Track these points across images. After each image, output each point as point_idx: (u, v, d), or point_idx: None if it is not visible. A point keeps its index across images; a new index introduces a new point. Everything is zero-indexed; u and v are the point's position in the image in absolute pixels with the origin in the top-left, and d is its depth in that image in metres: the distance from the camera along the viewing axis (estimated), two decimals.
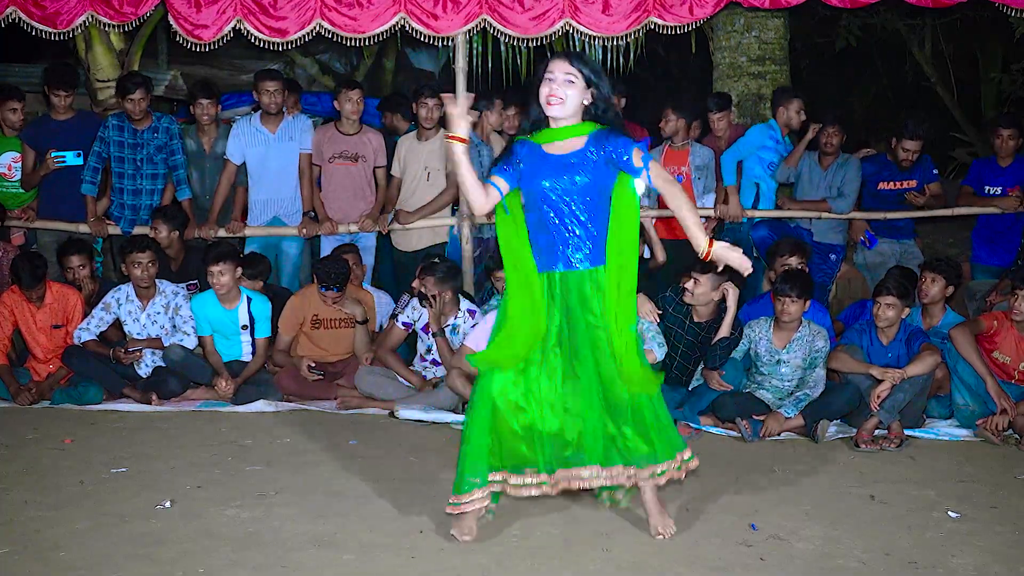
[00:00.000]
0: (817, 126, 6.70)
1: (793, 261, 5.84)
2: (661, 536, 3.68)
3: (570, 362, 3.66)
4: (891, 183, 6.74)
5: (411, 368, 5.94)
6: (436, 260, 5.87)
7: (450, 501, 3.67)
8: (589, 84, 3.55)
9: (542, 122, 3.63)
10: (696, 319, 5.44)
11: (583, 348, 3.63)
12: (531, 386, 3.66)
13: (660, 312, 5.43)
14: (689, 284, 5.35)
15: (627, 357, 3.61)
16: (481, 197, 3.58)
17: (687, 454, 3.76)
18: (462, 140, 3.51)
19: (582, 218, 3.58)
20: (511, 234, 3.71)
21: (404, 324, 5.93)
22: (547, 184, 3.56)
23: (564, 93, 3.52)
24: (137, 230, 6.50)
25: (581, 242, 3.59)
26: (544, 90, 3.55)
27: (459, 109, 3.52)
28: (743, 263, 3.53)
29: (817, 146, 6.67)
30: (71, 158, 6.53)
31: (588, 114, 3.60)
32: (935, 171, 6.94)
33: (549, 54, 3.86)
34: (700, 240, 3.53)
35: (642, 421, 3.66)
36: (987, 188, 6.75)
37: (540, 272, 3.64)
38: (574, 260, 3.60)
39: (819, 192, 6.65)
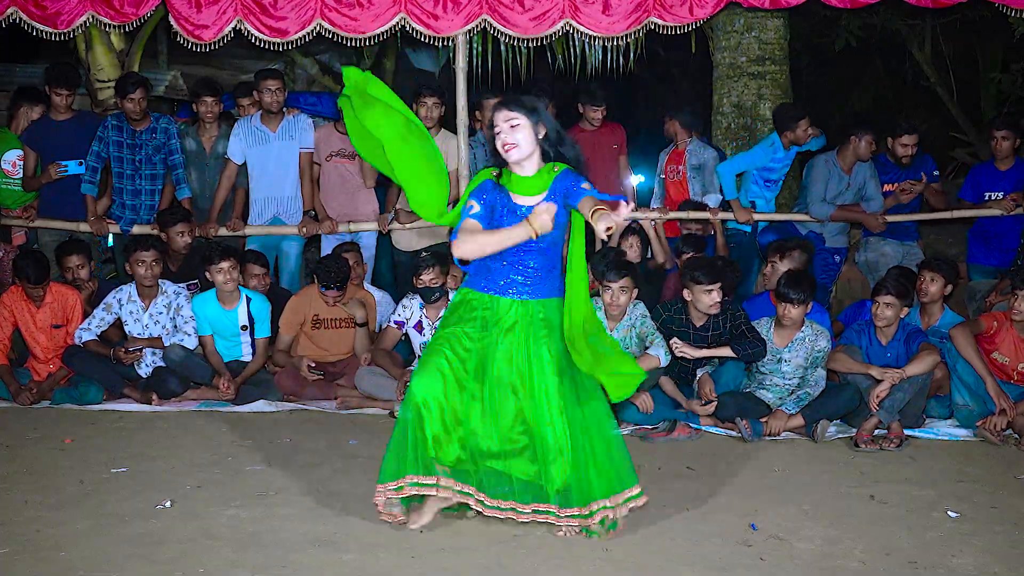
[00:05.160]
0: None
1: (782, 265, 5.86)
2: (561, 534, 3.70)
3: (502, 395, 3.69)
4: (893, 183, 6.75)
5: (408, 368, 5.95)
6: (424, 255, 5.94)
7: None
8: (530, 118, 3.71)
9: (501, 163, 3.80)
10: (695, 322, 5.45)
11: (517, 379, 3.69)
12: (463, 409, 3.71)
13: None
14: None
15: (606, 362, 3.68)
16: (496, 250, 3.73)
17: (634, 491, 3.74)
18: (534, 234, 3.63)
19: (534, 264, 3.75)
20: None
21: (396, 323, 5.95)
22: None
23: (514, 138, 3.69)
24: (137, 229, 6.51)
25: (532, 281, 3.75)
26: (498, 143, 3.72)
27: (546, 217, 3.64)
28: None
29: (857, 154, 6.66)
30: (73, 167, 6.55)
31: (546, 150, 3.75)
32: (936, 172, 6.95)
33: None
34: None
35: (590, 456, 3.67)
36: (987, 194, 6.74)
37: (482, 293, 3.79)
38: (520, 292, 3.75)
39: (846, 197, 6.64)
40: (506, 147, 3.69)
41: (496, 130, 3.72)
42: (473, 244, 3.67)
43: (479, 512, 3.76)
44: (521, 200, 3.76)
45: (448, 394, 3.69)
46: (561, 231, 3.78)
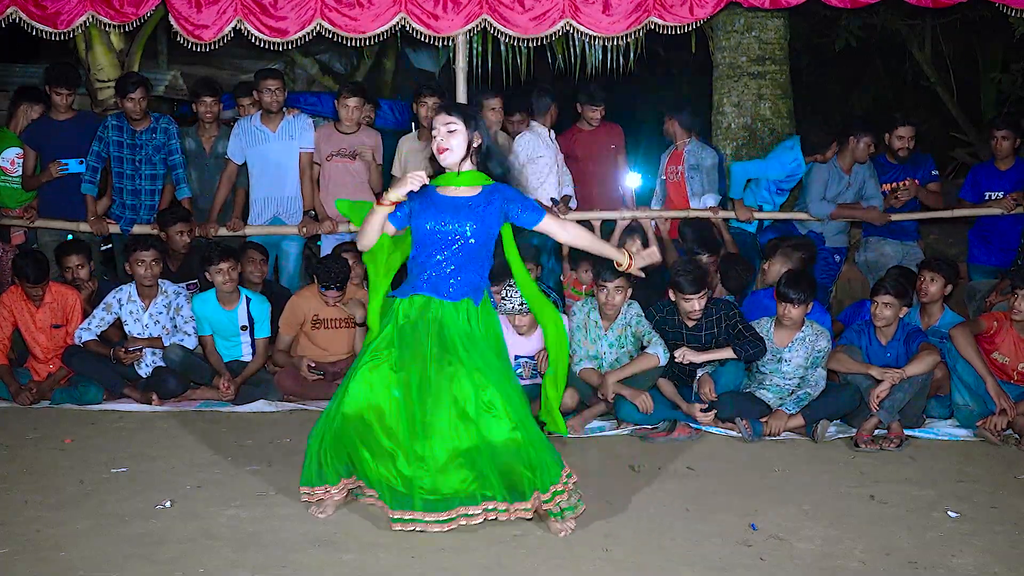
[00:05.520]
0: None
1: (778, 262, 5.87)
2: (562, 532, 3.69)
3: (426, 394, 3.71)
4: (893, 183, 6.76)
5: None
6: None
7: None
8: (468, 125, 3.81)
9: (434, 165, 3.89)
10: (687, 323, 5.45)
11: (443, 380, 3.70)
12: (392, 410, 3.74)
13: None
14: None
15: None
16: (372, 241, 3.87)
17: (564, 478, 3.77)
18: (391, 203, 3.80)
19: (461, 257, 3.80)
20: (381, 267, 3.94)
21: None
22: (434, 225, 3.79)
23: (449, 143, 3.80)
24: (137, 229, 6.51)
25: (457, 281, 3.81)
26: (433, 146, 3.82)
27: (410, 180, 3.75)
28: (654, 255, 4.13)
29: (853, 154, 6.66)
30: (74, 166, 6.55)
31: (480, 158, 3.85)
32: (935, 171, 6.95)
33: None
34: (618, 256, 4.05)
35: (515, 460, 3.68)
36: (987, 194, 6.75)
37: (401, 297, 3.85)
38: (446, 292, 3.81)
39: (846, 197, 6.64)
40: (439, 151, 3.80)
41: (434, 133, 3.82)
42: (359, 239, 3.90)
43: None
44: (444, 191, 3.85)
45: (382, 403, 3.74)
46: (490, 239, 3.86)
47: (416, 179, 3.73)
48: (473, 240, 3.80)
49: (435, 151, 3.82)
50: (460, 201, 3.82)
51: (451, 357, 3.72)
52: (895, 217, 6.69)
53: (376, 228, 3.85)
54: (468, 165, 3.86)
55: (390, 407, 3.72)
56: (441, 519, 3.67)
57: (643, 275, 4.21)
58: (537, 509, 3.74)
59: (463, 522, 3.68)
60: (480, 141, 3.85)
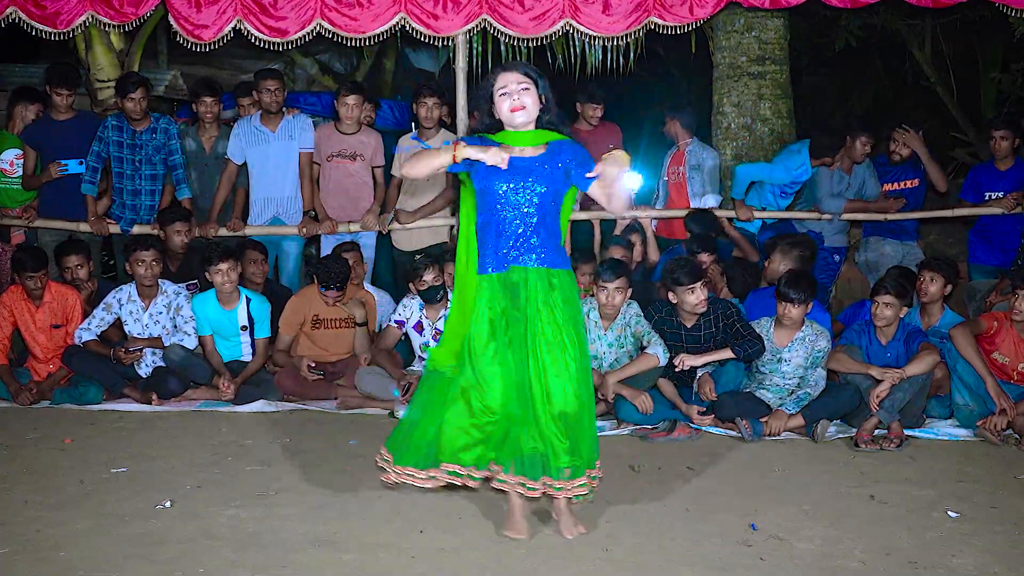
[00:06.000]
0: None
1: (779, 259, 5.87)
2: (571, 536, 3.67)
3: (514, 361, 3.63)
4: (895, 183, 6.76)
5: (409, 369, 5.95)
6: (418, 257, 5.99)
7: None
8: (537, 87, 3.67)
9: (495, 128, 3.74)
10: (685, 323, 5.45)
11: (529, 346, 3.62)
12: (479, 380, 3.64)
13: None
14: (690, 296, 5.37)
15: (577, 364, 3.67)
16: (420, 176, 3.77)
17: (597, 471, 3.76)
18: (455, 159, 3.60)
19: (534, 222, 3.65)
20: (466, 233, 3.80)
21: (396, 322, 5.96)
22: (504, 187, 3.64)
23: (524, 101, 3.64)
24: (137, 229, 6.51)
25: (533, 246, 3.66)
26: (505, 103, 3.65)
27: (491, 155, 3.57)
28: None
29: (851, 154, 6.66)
30: (74, 166, 6.55)
31: (542, 118, 3.70)
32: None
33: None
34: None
35: (576, 428, 3.64)
36: (987, 194, 6.75)
37: (483, 274, 3.69)
38: (526, 260, 3.66)
39: (847, 196, 6.64)
40: (514, 109, 3.62)
41: (503, 91, 3.64)
42: (408, 165, 3.71)
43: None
44: (513, 152, 3.67)
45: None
46: (557, 201, 3.70)
47: (500, 160, 3.54)
48: (548, 201, 3.65)
49: (507, 110, 3.62)
50: (530, 161, 3.66)
51: (537, 325, 3.61)
52: (895, 217, 6.70)
53: (430, 170, 3.69)
54: (532, 124, 3.70)
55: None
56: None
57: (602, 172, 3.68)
58: (548, 492, 3.67)
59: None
60: (546, 99, 3.69)
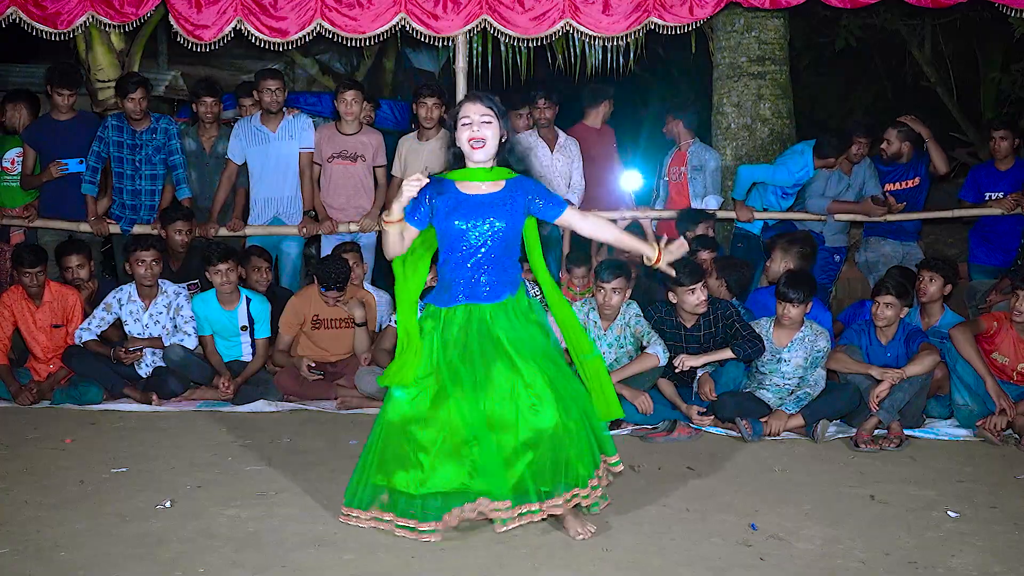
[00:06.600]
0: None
1: (781, 257, 5.87)
2: (581, 537, 3.66)
3: (472, 392, 3.63)
4: (896, 183, 6.76)
5: None
6: None
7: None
8: (500, 119, 3.69)
9: (455, 163, 3.76)
10: (684, 323, 5.45)
11: (493, 377, 3.63)
12: (436, 414, 3.65)
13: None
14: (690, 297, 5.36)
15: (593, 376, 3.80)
16: (400, 249, 3.75)
17: (611, 460, 3.80)
18: (398, 220, 3.66)
19: (492, 258, 3.70)
20: (409, 271, 3.82)
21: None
22: (463, 225, 3.68)
23: (485, 134, 3.65)
24: (137, 229, 6.51)
25: (488, 282, 3.71)
26: (464, 134, 3.66)
27: (403, 197, 3.61)
28: (683, 247, 3.89)
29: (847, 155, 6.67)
30: (74, 166, 6.56)
31: (499, 152, 3.73)
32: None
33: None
34: (647, 250, 3.83)
35: (564, 447, 3.63)
36: (987, 194, 6.75)
37: (441, 307, 3.75)
38: (482, 296, 3.71)
39: (848, 196, 6.65)
40: (473, 141, 3.64)
41: (466, 120, 3.65)
42: (385, 250, 3.77)
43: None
44: (467, 188, 3.71)
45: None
46: (517, 235, 3.77)
47: (413, 184, 3.58)
48: (505, 237, 3.70)
49: (467, 142, 3.64)
50: (487, 199, 3.70)
51: (499, 356, 3.64)
52: (894, 217, 6.70)
53: (395, 242, 3.72)
54: (489, 165, 3.73)
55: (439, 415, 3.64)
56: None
57: (673, 272, 3.95)
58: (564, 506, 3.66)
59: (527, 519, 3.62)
60: (506, 136, 3.73)
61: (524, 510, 3.59)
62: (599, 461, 3.76)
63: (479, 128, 3.64)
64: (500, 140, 3.70)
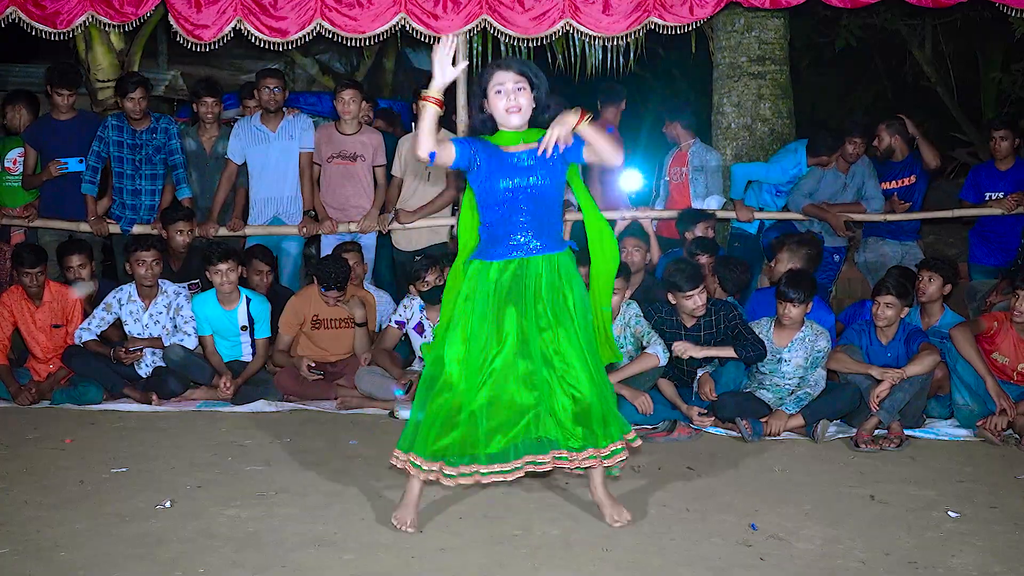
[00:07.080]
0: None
1: (785, 258, 5.88)
2: (619, 523, 3.73)
3: (523, 348, 3.66)
4: (892, 181, 6.77)
5: (409, 368, 5.95)
6: (418, 259, 6.03)
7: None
8: (533, 87, 3.68)
9: (487, 129, 3.75)
10: (685, 324, 5.45)
11: (542, 331, 3.67)
12: (486, 369, 3.66)
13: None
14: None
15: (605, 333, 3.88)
16: (432, 144, 3.59)
17: (630, 435, 3.87)
18: (438, 103, 3.56)
19: (538, 214, 3.71)
20: (467, 226, 3.87)
21: (397, 323, 5.96)
22: (506, 184, 3.69)
23: (519, 102, 3.65)
24: (137, 229, 6.51)
25: (536, 236, 3.72)
26: (500, 103, 3.66)
27: (447, 70, 3.52)
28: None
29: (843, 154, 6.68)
30: (74, 164, 6.56)
31: (533, 119, 3.72)
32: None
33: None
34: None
35: (598, 403, 3.69)
36: (987, 194, 6.75)
37: (489, 261, 3.74)
38: (531, 247, 3.72)
39: (846, 196, 6.65)
40: (510, 109, 3.64)
41: (499, 89, 3.64)
42: (417, 141, 3.62)
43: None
44: (512, 149, 3.71)
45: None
46: (559, 189, 3.77)
47: (447, 47, 3.49)
48: (550, 193, 3.72)
49: (502, 110, 3.64)
50: (526, 155, 3.70)
51: (544, 313, 3.68)
52: (894, 218, 6.70)
53: (429, 130, 3.55)
54: (525, 125, 3.72)
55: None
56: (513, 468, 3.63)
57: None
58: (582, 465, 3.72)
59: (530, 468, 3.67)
60: (535, 105, 3.70)
61: (568, 456, 3.66)
62: (628, 427, 3.85)
63: (514, 96, 3.64)
64: (533, 108, 3.68)
